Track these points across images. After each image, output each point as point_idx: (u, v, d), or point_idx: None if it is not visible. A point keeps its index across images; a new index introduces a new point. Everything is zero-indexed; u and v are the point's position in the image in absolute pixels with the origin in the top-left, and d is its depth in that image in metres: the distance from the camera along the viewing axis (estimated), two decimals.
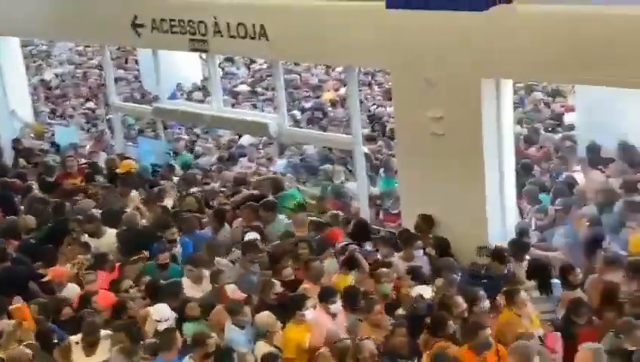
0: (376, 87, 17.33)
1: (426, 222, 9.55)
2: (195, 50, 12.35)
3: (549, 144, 12.37)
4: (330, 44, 10.24)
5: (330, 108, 16.10)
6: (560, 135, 12.94)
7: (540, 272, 8.30)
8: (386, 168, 11.93)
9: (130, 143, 15.40)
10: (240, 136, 15.04)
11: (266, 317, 7.72)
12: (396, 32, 9.35)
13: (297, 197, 11.30)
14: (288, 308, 7.88)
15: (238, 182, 12.17)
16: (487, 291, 7.88)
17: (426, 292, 8.03)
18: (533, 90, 15.44)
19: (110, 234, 10.46)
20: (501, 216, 9.40)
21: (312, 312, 7.72)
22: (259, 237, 9.75)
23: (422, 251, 9.16)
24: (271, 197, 10.93)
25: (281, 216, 10.63)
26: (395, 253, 9.23)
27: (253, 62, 20.62)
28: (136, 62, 20.73)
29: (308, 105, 16.65)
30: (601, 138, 11.78)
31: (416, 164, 9.75)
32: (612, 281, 7.89)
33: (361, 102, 15.55)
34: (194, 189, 12.10)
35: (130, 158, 13.61)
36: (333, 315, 7.87)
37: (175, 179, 12.95)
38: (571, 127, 13.18)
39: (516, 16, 8.42)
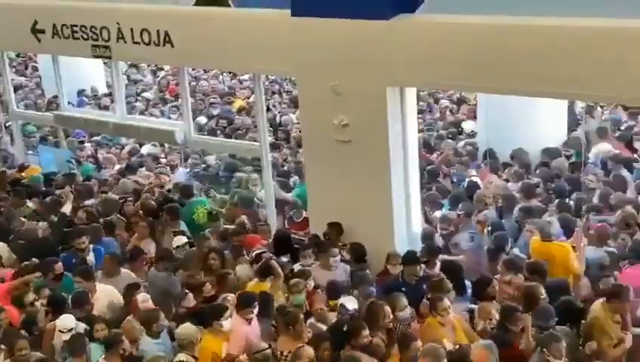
0: (284, 95, 17.37)
1: (335, 229, 9.58)
2: (97, 56, 12.06)
3: (450, 150, 12.66)
4: (235, 51, 10.18)
5: (237, 116, 16.02)
6: (462, 141, 13.29)
7: (453, 273, 8.40)
8: (299, 175, 12.01)
9: (31, 152, 14.95)
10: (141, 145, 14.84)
11: (187, 327, 7.57)
12: (302, 39, 9.37)
13: (206, 205, 11.19)
14: (205, 317, 7.72)
15: (136, 194, 11.90)
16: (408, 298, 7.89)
17: (351, 303, 7.95)
18: (439, 99, 15.85)
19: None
20: (407, 222, 9.51)
21: (229, 322, 7.59)
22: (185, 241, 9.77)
23: (339, 258, 9.09)
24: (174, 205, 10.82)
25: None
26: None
27: (160, 69, 20.37)
28: (36, 68, 20.19)
29: (216, 112, 16.56)
30: (501, 144, 12.18)
31: (323, 171, 9.77)
32: (532, 285, 7.92)
33: (269, 109, 15.71)
34: (89, 201, 11.74)
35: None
36: (249, 321, 7.77)
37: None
38: (473, 134, 13.55)
39: (419, 26, 8.59)
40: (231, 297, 8.14)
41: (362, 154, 9.25)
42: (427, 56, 8.52)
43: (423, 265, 8.72)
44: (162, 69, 20.30)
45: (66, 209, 11.06)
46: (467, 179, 11.56)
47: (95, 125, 13.49)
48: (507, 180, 11.36)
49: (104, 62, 16.66)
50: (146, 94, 18.46)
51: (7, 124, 16.21)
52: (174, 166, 13.49)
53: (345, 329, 7.34)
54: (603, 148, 11.96)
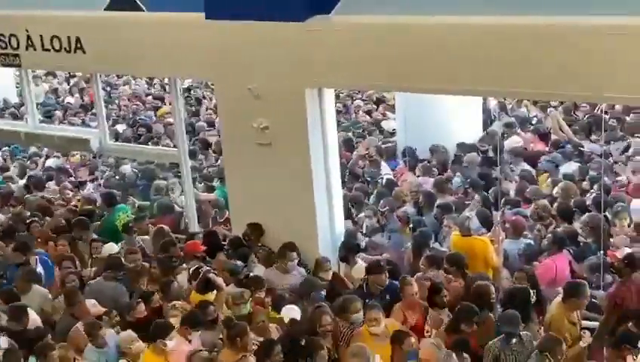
0: (206, 101, 17.21)
1: (255, 230, 9.54)
2: (6, 65, 11.68)
3: (371, 148, 12.79)
4: (150, 55, 10.02)
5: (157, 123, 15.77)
6: (380, 139, 13.45)
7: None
8: (220, 178, 11.93)
9: None
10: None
11: (127, 335, 7.48)
12: (217, 42, 9.29)
13: (127, 211, 11.02)
14: (150, 331, 7.51)
15: (42, 210, 11.48)
16: None
17: (294, 313, 7.85)
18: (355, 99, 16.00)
19: None
20: (330, 223, 9.53)
21: (174, 342, 7.38)
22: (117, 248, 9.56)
23: (296, 262, 8.99)
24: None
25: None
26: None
27: (73, 76, 19.93)
28: None
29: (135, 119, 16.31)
30: (420, 142, 12.38)
31: (244, 174, 9.72)
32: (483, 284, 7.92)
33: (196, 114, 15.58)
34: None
35: None
36: (190, 340, 7.54)
37: None
38: (393, 132, 13.73)
39: (334, 27, 8.63)
40: (178, 304, 8.04)
41: (283, 156, 9.23)
42: (344, 56, 8.55)
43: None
44: (75, 76, 19.84)
45: None
46: (385, 177, 11.68)
47: (6, 135, 13.09)
48: (418, 176, 11.57)
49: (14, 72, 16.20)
50: (68, 99, 18.05)
51: None
52: (83, 182, 13.05)
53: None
54: (512, 141, 12.30)
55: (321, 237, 9.40)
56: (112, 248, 9.72)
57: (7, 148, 15.31)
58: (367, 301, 7.85)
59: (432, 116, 12.05)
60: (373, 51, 8.37)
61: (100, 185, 12.99)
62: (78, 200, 12.00)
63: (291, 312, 7.88)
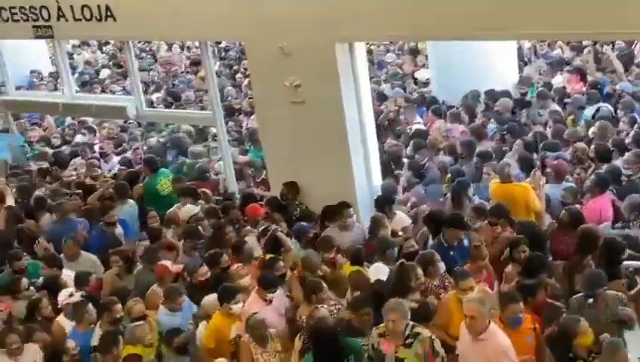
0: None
1: (292, 189, 9.57)
2: (39, 37, 11.80)
3: (399, 99, 12.68)
4: (180, 20, 10.00)
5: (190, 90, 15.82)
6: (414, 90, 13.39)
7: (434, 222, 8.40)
8: (251, 140, 12.00)
9: None
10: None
11: (211, 301, 7.54)
12: (247, 3, 9.26)
13: (169, 176, 11.09)
14: (217, 294, 7.53)
15: (79, 186, 11.52)
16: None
17: (383, 272, 7.59)
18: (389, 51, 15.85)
19: None
20: (367, 177, 9.55)
21: (239, 306, 7.35)
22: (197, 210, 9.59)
23: (355, 218, 8.92)
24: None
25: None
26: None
27: (107, 43, 20.04)
28: None
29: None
30: (455, 90, 12.27)
31: (279, 133, 9.75)
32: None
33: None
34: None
35: None
36: (269, 301, 7.47)
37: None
38: (427, 82, 13.62)
39: None
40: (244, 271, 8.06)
41: (317, 113, 9.23)
42: (372, 8, 8.43)
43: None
44: (108, 44, 19.94)
45: (10, 201, 10.86)
46: (414, 127, 11.60)
47: (44, 107, 13.25)
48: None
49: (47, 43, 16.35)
50: (104, 71, 18.16)
51: None
52: (106, 154, 13.05)
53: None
54: (555, 82, 12.12)
55: (359, 192, 9.42)
56: (192, 210, 9.77)
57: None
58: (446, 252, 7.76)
59: (466, 64, 11.89)
60: (403, 1, 8.25)
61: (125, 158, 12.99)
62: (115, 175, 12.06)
63: (380, 272, 7.63)
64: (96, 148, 13.48)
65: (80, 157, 13.00)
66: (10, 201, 10.83)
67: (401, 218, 8.98)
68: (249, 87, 15.08)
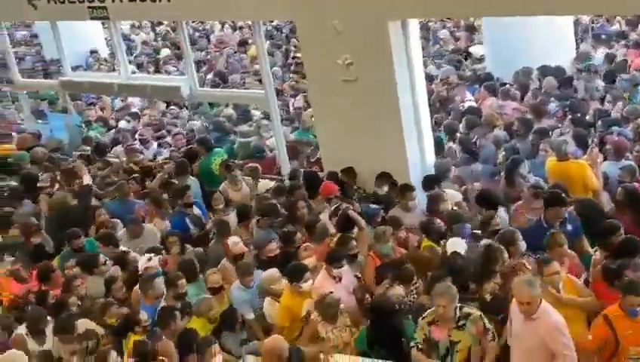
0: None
1: (349, 174, 9.54)
2: (95, 18, 11.96)
3: (452, 76, 12.58)
4: (232, 0, 10.04)
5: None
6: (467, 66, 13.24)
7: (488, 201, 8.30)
8: (298, 120, 12.06)
9: (40, 121, 14.96)
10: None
11: (270, 274, 7.58)
12: None
13: (223, 155, 11.19)
14: (286, 272, 7.54)
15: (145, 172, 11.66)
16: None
17: (460, 246, 7.39)
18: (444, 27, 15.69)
19: None
20: (420, 156, 9.48)
21: (309, 284, 7.33)
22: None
23: (416, 201, 8.77)
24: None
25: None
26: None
27: (160, 24, 20.23)
28: (36, 36, 20.09)
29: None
30: (510, 65, 12.09)
31: (331, 111, 9.72)
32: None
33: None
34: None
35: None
36: (338, 278, 7.42)
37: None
38: (481, 59, 13.45)
39: None
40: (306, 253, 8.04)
41: (370, 91, 9.18)
42: None
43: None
44: (161, 24, 20.13)
45: (87, 180, 11.13)
46: (467, 104, 11.48)
47: (100, 88, 13.45)
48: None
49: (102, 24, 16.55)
50: (164, 51, 18.35)
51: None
52: (146, 140, 13.06)
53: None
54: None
55: (412, 171, 9.34)
56: (267, 184, 9.90)
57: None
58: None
59: (521, 40, 11.69)
60: None
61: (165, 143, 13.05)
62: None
63: (457, 245, 7.46)
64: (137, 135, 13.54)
65: (120, 145, 13.08)
66: (87, 180, 11.10)
67: (452, 194, 8.89)
68: (292, 69, 15.17)
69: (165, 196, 10.19)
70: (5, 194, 11.45)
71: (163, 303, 7.65)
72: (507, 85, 11.83)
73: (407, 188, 8.77)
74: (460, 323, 6.39)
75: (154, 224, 9.71)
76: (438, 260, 7.51)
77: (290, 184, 9.84)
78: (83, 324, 7.46)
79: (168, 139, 13.11)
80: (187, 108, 14.16)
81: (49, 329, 7.72)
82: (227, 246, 8.33)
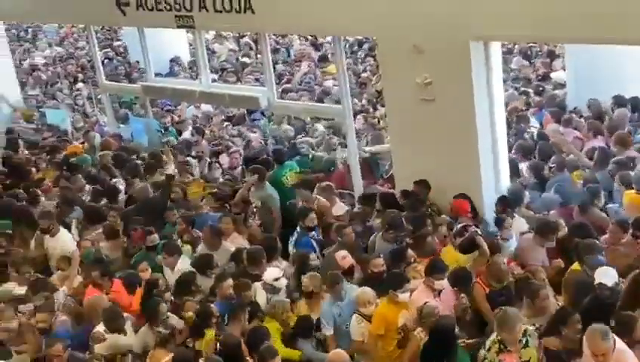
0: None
1: (423, 186, 9.48)
2: (181, 26, 12.25)
3: (520, 102, 12.51)
4: (315, 14, 10.13)
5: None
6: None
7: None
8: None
9: (122, 125, 15.36)
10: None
11: (362, 292, 7.49)
12: None
13: (295, 169, 11.27)
14: (385, 283, 7.51)
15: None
16: None
17: (609, 278, 6.81)
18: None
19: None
20: (495, 181, 9.39)
21: (407, 295, 7.28)
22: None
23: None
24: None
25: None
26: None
27: (242, 36, 20.55)
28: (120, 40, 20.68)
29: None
30: (592, 94, 11.86)
31: (407, 130, 9.72)
32: None
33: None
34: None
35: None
36: (438, 292, 7.36)
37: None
38: (562, 84, 13.25)
39: None
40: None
41: (447, 111, 9.13)
42: (510, 7, 8.27)
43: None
44: (244, 37, 20.44)
45: (169, 170, 11.38)
46: (534, 130, 11.32)
47: (182, 94, 13.73)
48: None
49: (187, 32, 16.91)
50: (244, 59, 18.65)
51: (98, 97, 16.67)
52: (201, 157, 12.95)
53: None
54: None
55: (486, 193, 9.26)
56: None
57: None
58: None
59: (607, 67, 11.44)
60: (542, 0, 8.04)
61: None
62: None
63: (606, 275, 6.89)
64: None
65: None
66: (170, 170, 11.37)
67: (519, 223, 8.76)
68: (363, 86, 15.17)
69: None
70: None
71: None
72: (571, 114, 11.68)
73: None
74: (524, 342, 6.35)
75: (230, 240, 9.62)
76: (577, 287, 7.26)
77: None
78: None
79: (223, 157, 12.95)
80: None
81: (128, 326, 7.94)
82: (336, 260, 8.30)
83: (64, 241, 9.95)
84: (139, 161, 12.40)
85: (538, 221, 8.51)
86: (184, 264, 9.00)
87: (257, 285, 8.13)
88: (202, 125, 14.59)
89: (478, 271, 7.75)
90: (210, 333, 7.41)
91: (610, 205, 9.02)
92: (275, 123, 14.07)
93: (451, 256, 8.16)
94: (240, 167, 12.29)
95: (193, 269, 8.68)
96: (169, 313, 7.84)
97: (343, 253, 8.30)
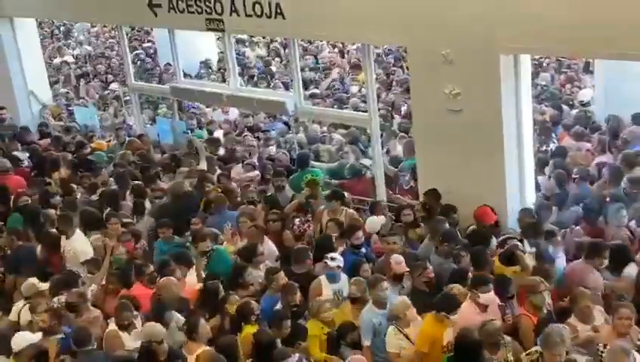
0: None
1: (433, 197, 9.49)
2: (211, 29, 12.33)
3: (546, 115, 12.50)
4: (345, 21, 10.18)
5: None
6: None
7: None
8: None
9: (149, 124, 15.46)
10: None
11: (400, 302, 7.41)
12: (413, 7, 9.30)
13: (319, 175, 11.25)
14: (438, 301, 7.30)
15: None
16: None
17: None
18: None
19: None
20: (520, 192, 9.36)
21: (457, 317, 7.10)
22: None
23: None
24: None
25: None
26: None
27: (273, 41, 20.58)
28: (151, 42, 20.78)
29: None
30: (621, 111, 11.76)
31: (434, 140, 9.72)
32: None
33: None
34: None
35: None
36: (484, 306, 7.24)
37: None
38: (586, 103, 13.16)
39: None
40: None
41: (474, 123, 9.13)
42: (541, 21, 8.25)
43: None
44: (275, 41, 20.47)
45: (203, 165, 11.51)
46: (553, 145, 11.33)
47: (209, 97, 13.79)
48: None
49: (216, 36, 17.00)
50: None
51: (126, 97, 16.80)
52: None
53: None
54: None
55: (510, 207, 9.25)
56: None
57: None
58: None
59: (634, 85, 11.35)
60: (575, 15, 8.00)
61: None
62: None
63: None
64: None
65: None
66: (203, 166, 11.53)
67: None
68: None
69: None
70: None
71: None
72: (578, 127, 11.64)
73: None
74: None
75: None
76: None
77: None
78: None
79: (237, 167, 12.57)
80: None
81: (138, 322, 7.98)
82: (389, 265, 8.25)
83: (80, 243, 9.91)
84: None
85: (586, 244, 8.23)
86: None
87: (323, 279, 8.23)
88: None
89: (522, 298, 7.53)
90: (248, 329, 7.49)
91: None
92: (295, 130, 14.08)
93: (498, 269, 8.06)
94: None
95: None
96: None
97: (399, 258, 8.19)
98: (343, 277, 8.28)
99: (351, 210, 10.01)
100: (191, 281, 8.87)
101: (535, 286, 7.28)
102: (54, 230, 10.18)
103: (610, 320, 6.98)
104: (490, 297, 7.25)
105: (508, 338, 6.82)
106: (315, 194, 10.36)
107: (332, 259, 8.26)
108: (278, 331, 7.36)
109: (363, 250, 9.01)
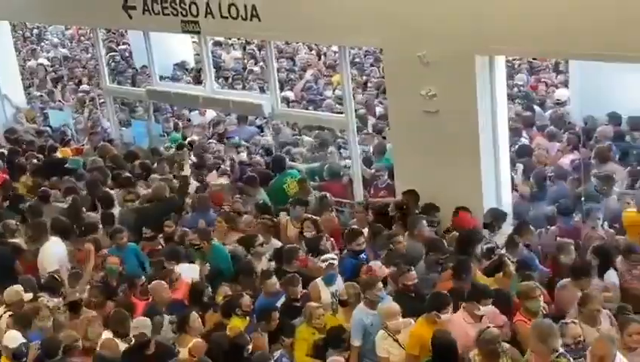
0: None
1: (413, 196, 9.50)
2: (186, 31, 12.29)
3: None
4: (321, 23, 10.17)
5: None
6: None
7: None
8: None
9: (124, 128, 15.34)
10: None
11: (387, 308, 7.34)
12: (388, 9, 9.31)
13: (296, 177, 11.24)
14: (424, 302, 7.34)
15: None
16: None
17: None
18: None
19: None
20: (496, 192, 9.40)
21: (447, 316, 7.09)
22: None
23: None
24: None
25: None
26: None
27: (248, 43, 20.49)
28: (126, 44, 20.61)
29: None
30: (595, 111, 11.84)
31: (410, 141, 9.75)
32: None
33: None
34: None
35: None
36: (479, 317, 7.12)
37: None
38: (562, 103, 13.24)
39: None
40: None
41: (450, 124, 9.16)
42: (516, 23, 8.32)
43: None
44: (250, 44, 20.39)
45: (187, 171, 11.54)
46: (519, 143, 11.29)
47: (186, 99, 13.74)
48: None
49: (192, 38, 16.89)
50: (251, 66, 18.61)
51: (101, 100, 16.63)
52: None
53: None
54: None
55: (487, 206, 9.27)
56: None
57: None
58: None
59: (612, 86, 11.42)
60: (548, 16, 8.06)
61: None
62: None
63: None
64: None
65: None
66: (187, 171, 11.58)
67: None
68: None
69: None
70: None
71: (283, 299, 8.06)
72: (552, 127, 11.72)
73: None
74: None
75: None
76: None
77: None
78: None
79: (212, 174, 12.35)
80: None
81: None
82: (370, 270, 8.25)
83: (47, 254, 9.77)
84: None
85: (571, 267, 8.02)
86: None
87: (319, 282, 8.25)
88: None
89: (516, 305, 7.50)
90: (236, 322, 7.55)
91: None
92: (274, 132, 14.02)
93: (480, 279, 7.94)
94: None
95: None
96: None
97: (378, 263, 8.34)
98: (339, 279, 8.31)
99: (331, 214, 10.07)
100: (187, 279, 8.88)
101: (530, 291, 7.22)
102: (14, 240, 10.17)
103: (615, 323, 7.00)
104: (489, 309, 7.16)
105: (506, 346, 6.76)
106: (307, 190, 10.68)
107: (324, 260, 8.30)
108: (266, 324, 7.47)
109: (363, 255, 8.88)
